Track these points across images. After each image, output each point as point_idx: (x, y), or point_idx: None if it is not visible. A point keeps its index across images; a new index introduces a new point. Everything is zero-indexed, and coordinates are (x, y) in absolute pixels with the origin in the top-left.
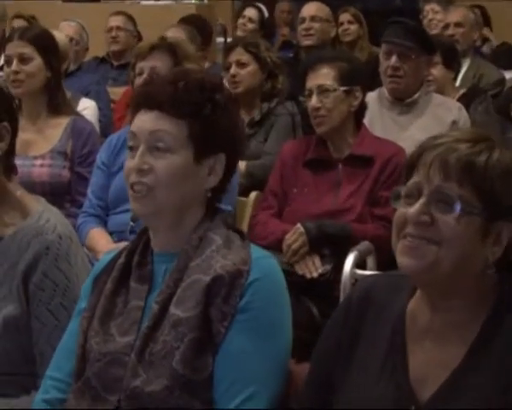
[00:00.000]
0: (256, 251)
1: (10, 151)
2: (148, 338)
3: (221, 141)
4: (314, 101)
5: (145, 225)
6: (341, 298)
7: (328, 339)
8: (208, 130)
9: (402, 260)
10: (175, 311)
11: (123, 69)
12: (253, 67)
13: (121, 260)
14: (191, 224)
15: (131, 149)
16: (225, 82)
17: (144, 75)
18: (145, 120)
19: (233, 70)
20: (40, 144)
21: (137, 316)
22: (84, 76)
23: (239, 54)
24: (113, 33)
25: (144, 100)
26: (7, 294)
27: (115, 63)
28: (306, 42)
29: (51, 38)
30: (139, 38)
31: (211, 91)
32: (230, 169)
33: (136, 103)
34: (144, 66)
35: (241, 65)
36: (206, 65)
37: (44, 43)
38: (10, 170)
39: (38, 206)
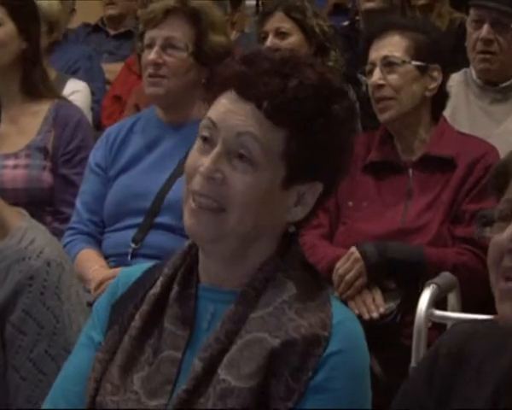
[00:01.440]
0: (338, 310)
1: None
2: (185, 405)
3: (324, 167)
4: (376, 76)
5: (192, 243)
6: (413, 348)
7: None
8: (311, 150)
9: (504, 307)
10: (226, 376)
11: (122, 40)
12: (296, 37)
13: (155, 289)
14: (258, 258)
15: (205, 140)
16: None
17: (156, 48)
18: (234, 112)
19: (270, 41)
20: (13, 138)
21: (172, 373)
22: (70, 49)
23: (279, 20)
24: None
25: (240, 83)
26: None
27: (112, 32)
28: (367, 4)
29: None
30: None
31: (328, 100)
32: (323, 202)
33: (226, 81)
34: (156, 35)
35: (281, 35)
36: (233, 36)
37: (19, 3)
38: None
39: (20, 222)
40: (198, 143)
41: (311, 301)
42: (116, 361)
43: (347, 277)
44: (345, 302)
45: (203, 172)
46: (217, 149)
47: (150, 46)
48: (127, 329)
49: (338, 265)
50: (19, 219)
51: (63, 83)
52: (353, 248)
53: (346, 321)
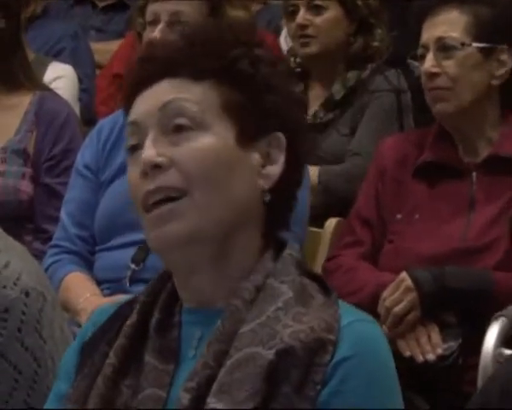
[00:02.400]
0: (347, 311)
1: None
2: None
3: (273, 112)
4: (429, 62)
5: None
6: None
7: None
8: (247, 94)
9: None
10: (216, 404)
11: (112, 12)
12: (334, 12)
13: (131, 319)
14: (242, 261)
15: (134, 149)
16: (286, 38)
17: (161, 25)
18: (150, 96)
19: (302, 17)
20: None
21: None
22: (49, 25)
23: None
24: None
25: (145, 71)
26: None
27: (100, 4)
28: None
29: None
30: None
31: (247, 44)
32: (295, 162)
33: (132, 82)
34: (161, 10)
35: (315, 9)
36: (253, 8)
37: None
38: None
39: None
40: (128, 160)
41: (312, 304)
42: (89, 408)
43: (396, 309)
44: (393, 341)
45: (144, 165)
46: (149, 135)
47: (154, 22)
48: (100, 369)
49: (385, 294)
50: None
51: (43, 67)
52: (403, 275)
53: (358, 322)
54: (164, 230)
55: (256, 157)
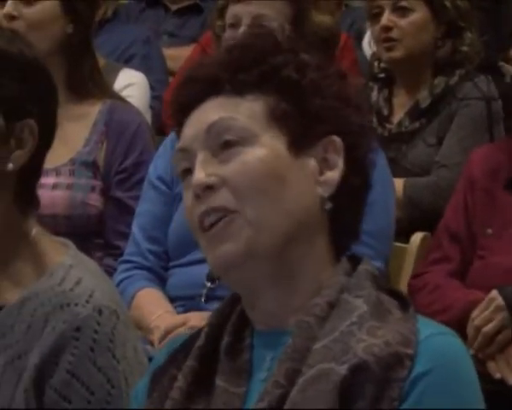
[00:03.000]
0: (426, 325)
1: (33, 168)
2: None
3: (324, 114)
4: None
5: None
6: None
7: None
8: (298, 100)
9: None
10: None
11: (186, 16)
12: (421, 14)
13: (200, 341)
14: (309, 276)
15: (186, 173)
16: (369, 42)
17: (242, 28)
18: (196, 120)
19: (386, 18)
20: (53, 150)
21: None
22: (119, 30)
23: None
24: None
25: (190, 94)
26: (8, 403)
27: (173, 6)
28: None
29: None
30: None
31: (291, 51)
32: (355, 162)
33: (179, 107)
34: (243, 12)
35: (400, 10)
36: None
37: None
38: (29, 200)
39: (64, 257)
40: (184, 185)
41: (389, 319)
42: None
43: (486, 328)
44: (482, 362)
45: (195, 187)
46: (199, 157)
47: (234, 25)
48: (168, 392)
49: (474, 314)
50: (61, 253)
51: (114, 74)
52: (494, 293)
53: (438, 335)
54: (220, 251)
55: (312, 164)
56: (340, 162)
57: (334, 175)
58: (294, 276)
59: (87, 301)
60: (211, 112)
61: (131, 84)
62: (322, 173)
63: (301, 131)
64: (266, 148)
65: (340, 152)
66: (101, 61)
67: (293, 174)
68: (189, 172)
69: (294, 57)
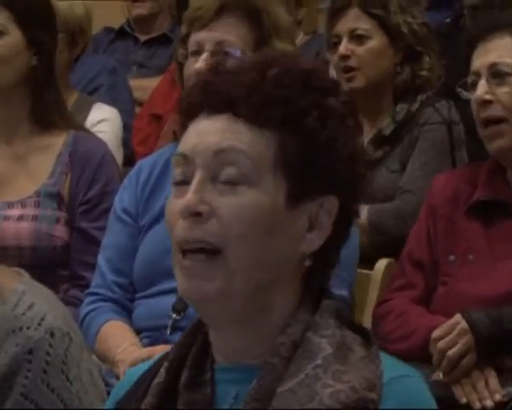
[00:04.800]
0: (390, 365)
1: None
2: None
3: (332, 173)
4: (481, 89)
5: (199, 318)
6: None
7: None
8: (309, 151)
9: None
10: None
11: (155, 47)
12: (378, 40)
13: (159, 378)
14: (278, 315)
15: (181, 184)
16: (331, 69)
17: (204, 55)
18: (207, 132)
19: (344, 47)
20: (18, 182)
21: None
22: (88, 61)
23: (354, 19)
24: None
25: (205, 98)
26: None
27: (142, 37)
28: None
29: None
30: None
31: (320, 91)
32: (343, 224)
33: (189, 105)
34: (205, 39)
35: (357, 38)
36: (300, 39)
37: (27, 5)
38: None
39: (17, 284)
40: (172, 190)
41: (353, 361)
42: None
43: (451, 352)
44: (447, 386)
45: (185, 209)
46: (197, 177)
47: (197, 53)
48: None
49: (436, 334)
50: (14, 281)
51: (87, 108)
52: (458, 317)
53: (401, 378)
54: (193, 285)
55: (303, 220)
56: (329, 225)
57: (320, 235)
58: (264, 314)
59: (39, 324)
60: (224, 134)
61: (104, 119)
62: (310, 231)
63: (304, 184)
64: (265, 195)
65: (333, 214)
66: (74, 95)
67: (282, 229)
68: (183, 183)
69: (322, 100)
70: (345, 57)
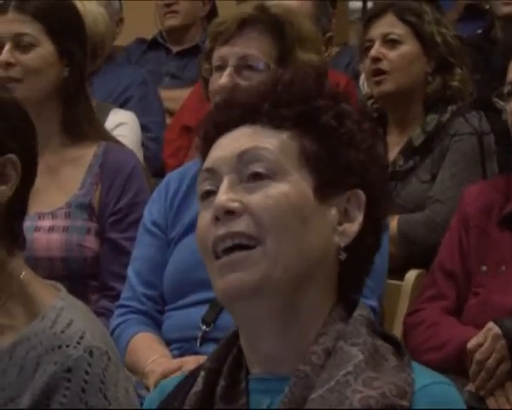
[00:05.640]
0: (422, 374)
1: (18, 206)
2: None
3: (354, 167)
4: None
5: (236, 325)
6: None
7: None
8: (332, 148)
9: None
10: None
11: (188, 58)
12: (410, 47)
13: (197, 387)
14: (311, 319)
15: (208, 195)
16: (362, 79)
17: (227, 70)
18: (227, 143)
19: (376, 50)
20: (49, 193)
21: None
22: (118, 72)
23: (389, 24)
24: None
25: (225, 117)
26: None
27: (174, 48)
28: (506, 8)
29: (71, 10)
30: (213, 7)
31: (333, 96)
32: (373, 218)
33: (212, 125)
34: (228, 54)
35: (390, 42)
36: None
37: (59, 17)
38: (14, 239)
39: (55, 299)
40: (200, 205)
41: (384, 367)
42: None
43: (489, 363)
44: (481, 398)
45: (218, 208)
46: (225, 181)
47: (221, 68)
48: None
49: (471, 344)
50: (52, 296)
51: (104, 114)
52: (491, 324)
53: (432, 385)
54: (233, 278)
55: (333, 213)
56: (360, 217)
57: (352, 228)
58: (298, 316)
59: (78, 343)
60: (245, 139)
61: (122, 123)
62: (340, 224)
63: (330, 178)
64: (294, 186)
65: (362, 207)
66: (93, 103)
67: (314, 217)
68: (211, 193)
69: (335, 105)
70: (376, 60)
